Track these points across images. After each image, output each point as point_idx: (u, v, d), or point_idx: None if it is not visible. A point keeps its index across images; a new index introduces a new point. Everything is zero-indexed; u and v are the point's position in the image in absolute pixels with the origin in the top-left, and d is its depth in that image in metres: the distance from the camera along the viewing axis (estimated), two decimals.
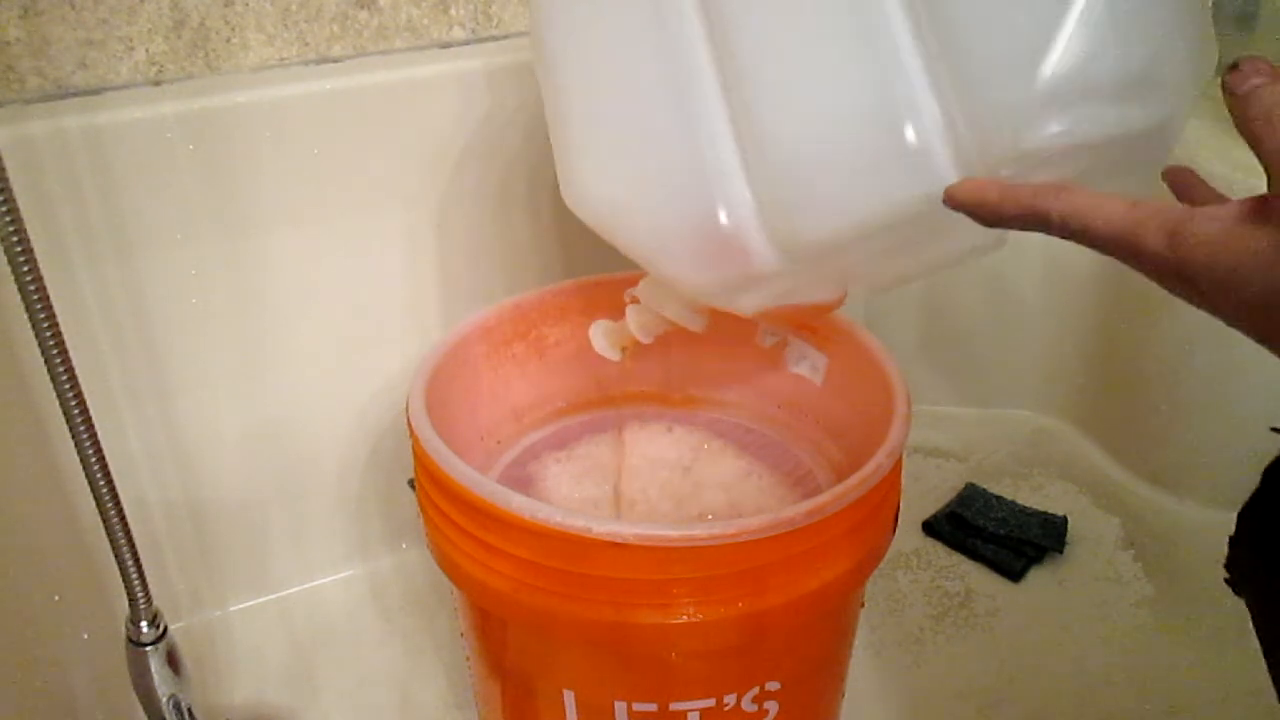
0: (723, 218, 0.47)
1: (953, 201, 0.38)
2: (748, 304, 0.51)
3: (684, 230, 0.48)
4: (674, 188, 0.48)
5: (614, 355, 0.59)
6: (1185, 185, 0.42)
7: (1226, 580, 0.39)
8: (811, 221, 0.45)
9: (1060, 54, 0.38)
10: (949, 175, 0.41)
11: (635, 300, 0.57)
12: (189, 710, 0.60)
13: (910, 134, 0.42)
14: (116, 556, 0.55)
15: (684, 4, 0.47)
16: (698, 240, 0.48)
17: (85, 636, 0.65)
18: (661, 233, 0.49)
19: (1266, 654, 0.35)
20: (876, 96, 0.42)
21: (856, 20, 0.42)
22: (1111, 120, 0.38)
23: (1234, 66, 0.34)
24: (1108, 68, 0.39)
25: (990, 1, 0.40)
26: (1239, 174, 0.78)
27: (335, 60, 0.71)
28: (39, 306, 0.48)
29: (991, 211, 0.37)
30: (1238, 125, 0.34)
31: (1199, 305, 0.34)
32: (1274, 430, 0.37)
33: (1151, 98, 0.40)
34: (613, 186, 0.50)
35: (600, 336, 0.59)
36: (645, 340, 0.57)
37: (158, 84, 0.66)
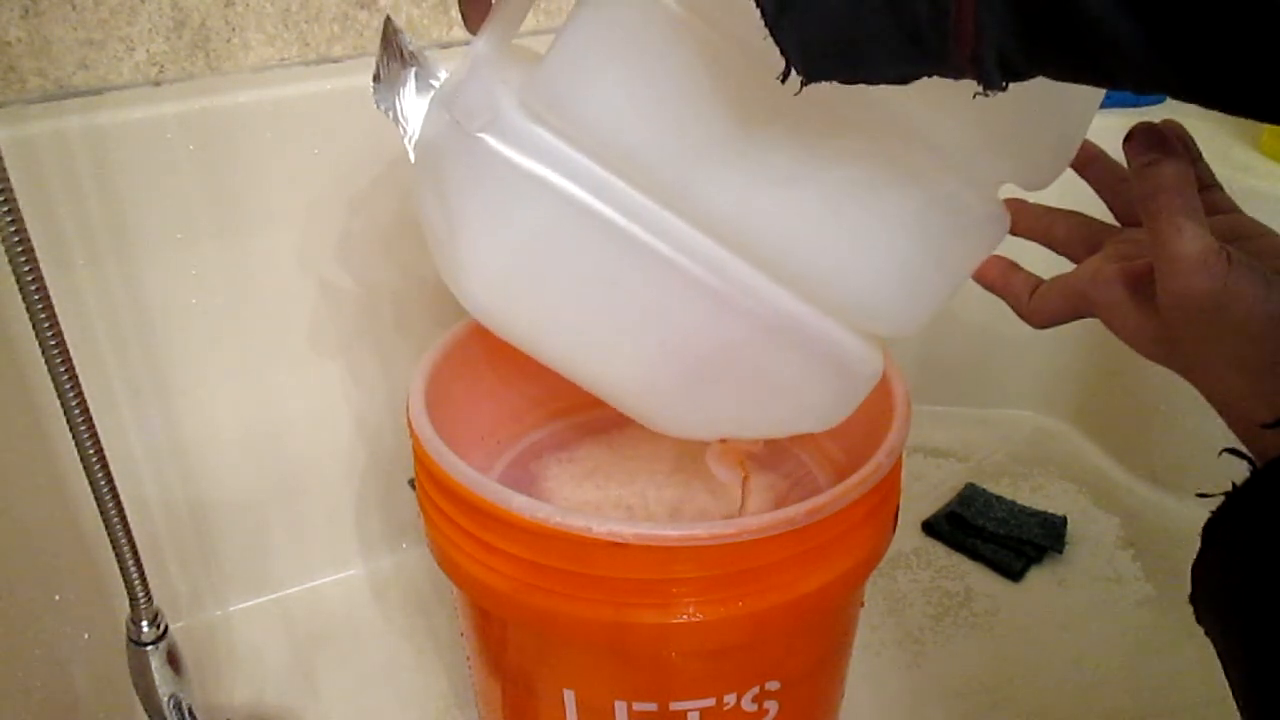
0: (835, 367, 0.45)
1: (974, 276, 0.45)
2: None
3: (800, 399, 0.47)
4: (775, 378, 0.45)
5: (734, 478, 0.57)
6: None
7: (1200, 624, 0.39)
8: (913, 317, 0.45)
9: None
10: (1002, 218, 0.44)
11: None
12: (189, 710, 0.60)
13: (968, 203, 0.42)
14: (117, 556, 0.55)
15: (675, 230, 0.42)
16: (818, 398, 0.47)
17: (85, 636, 0.65)
18: (782, 414, 0.48)
19: (1234, 696, 0.36)
20: (923, 194, 0.42)
21: (879, 154, 0.41)
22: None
23: (1129, 137, 0.37)
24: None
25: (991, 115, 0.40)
26: (1239, 174, 0.78)
27: (335, 60, 0.71)
28: (39, 306, 0.48)
29: (990, 288, 0.45)
30: (1134, 197, 0.37)
31: None
32: (1228, 451, 0.37)
33: None
34: (711, 412, 0.47)
35: (716, 464, 0.56)
36: (756, 449, 0.56)
37: (158, 84, 0.66)
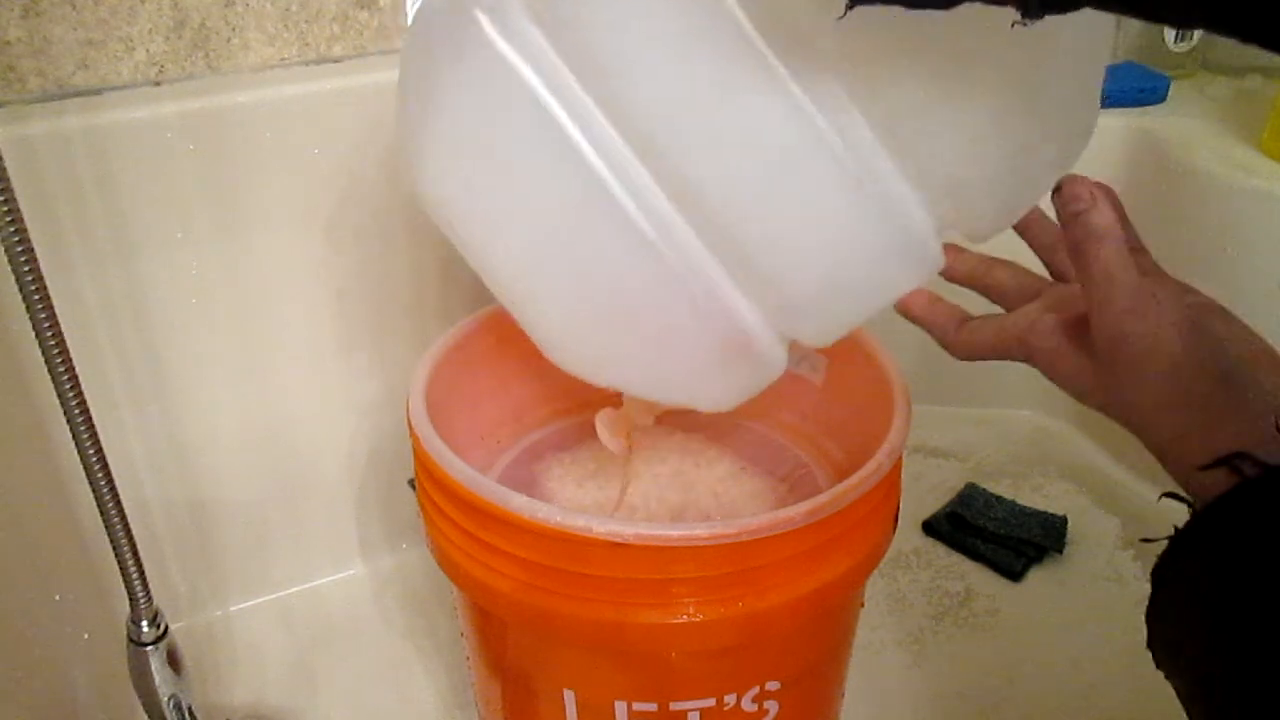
0: (736, 348, 0.45)
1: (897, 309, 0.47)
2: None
3: (694, 368, 0.47)
4: (675, 336, 0.45)
5: (618, 446, 0.58)
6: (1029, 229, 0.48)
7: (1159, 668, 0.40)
8: (826, 326, 0.45)
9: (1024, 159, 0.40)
10: (939, 257, 0.44)
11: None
12: (189, 710, 0.60)
13: (912, 230, 0.42)
14: (117, 556, 0.55)
15: (626, 165, 0.42)
16: (712, 373, 0.47)
17: (85, 636, 0.65)
18: (671, 377, 0.48)
19: None
20: (869, 203, 0.41)
21: (820, 143, 0.40)
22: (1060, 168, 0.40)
23: (1057, 189, 0.38)
24: (1060, 148, 0.41)
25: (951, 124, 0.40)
26: (1239, 174, 0.78)
27: (335, 60, 0.71)
28: (39, 306, 0.48)
29: (915, 319, 0.47)
30: (1065, 245, 0.39)
31: None
32: (1167, 496, 0.38)
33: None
34: (605, 351, 0.47)
35: (603, 429, 0.58)
36: (647, 423, 0.57)
37: (158, 84, 0.66)
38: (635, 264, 0.44)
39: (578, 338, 0.48)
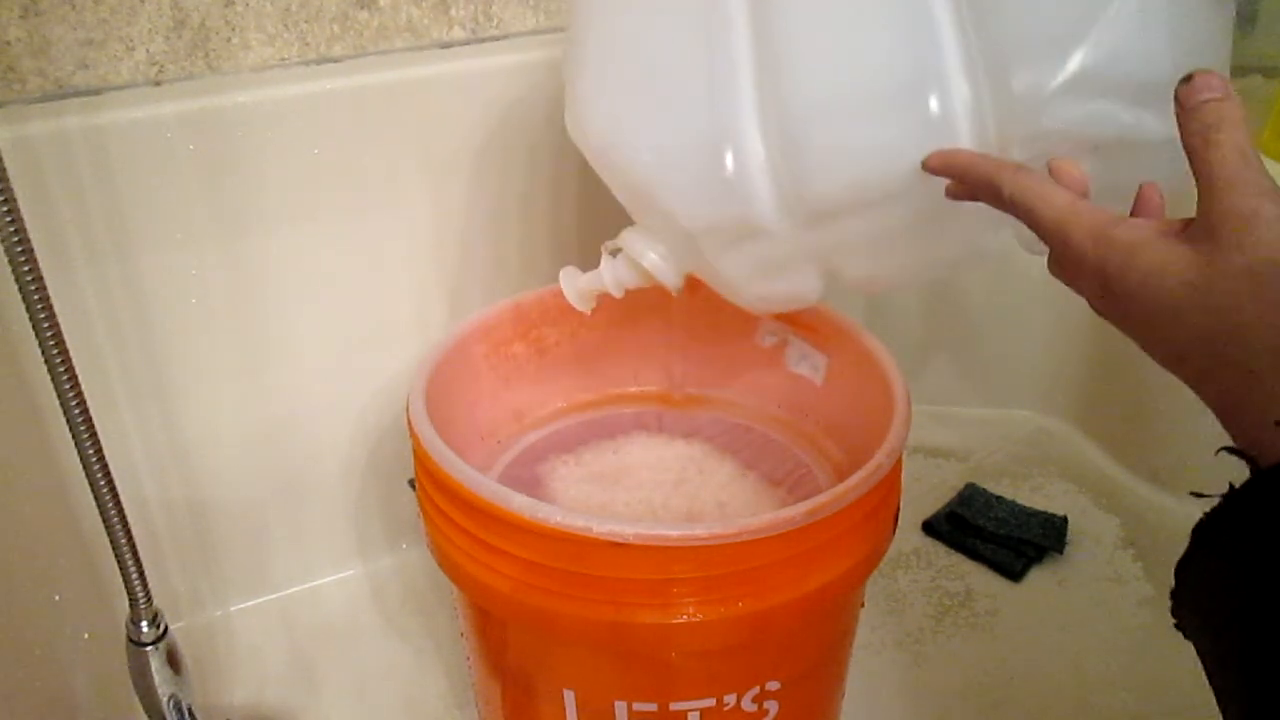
0: (730, 153, 0.46)
1: (928, 166, 0.42)
2: (730, 265, 0.50)
3: (688, 159, 0.48)
4: (685, 114, 0.47)
5: (584, 306, 0.58)
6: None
7: (1178, 627, 0.38)
8: (819, 172, 0.45)
9: (1089, 46, 0.40)
10: (963, 146, 0.43)
11: (612, 252, 0.56)
12: (189, 710, 0.60)
13: (935, 103, 0.43)
14: (117, 556, 0.55)
15: None
16: (700, 171, 0.47)
17: (85, 636, 0.65)
18: (664, 158, 0.48)
19: (1219, 702, 0.35)
20: (909, 61, 0.42)
21: None
22: (1127, 122, 0.38)
23: (1187, 79, 0.35)
24: (1131, 69, 0.41)
25: None
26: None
27: (335, 60, 0.71)
28: (39, 306, 0.48)
29: (958, 174, 0.41)
30: (1181, 138, 0.36)
31: (1113, 318, 0.37)
32: (1226, 450, 0.35)
33: (1169, 109, 0.41)
34: (620, 106, 0.49)
35: (569, 285, 0.57)
36: (616, 294, 0.56)
37: (158, 84, 0.66)
38: (683, 20, 0.47)
39: (608, 85, 0.50)
